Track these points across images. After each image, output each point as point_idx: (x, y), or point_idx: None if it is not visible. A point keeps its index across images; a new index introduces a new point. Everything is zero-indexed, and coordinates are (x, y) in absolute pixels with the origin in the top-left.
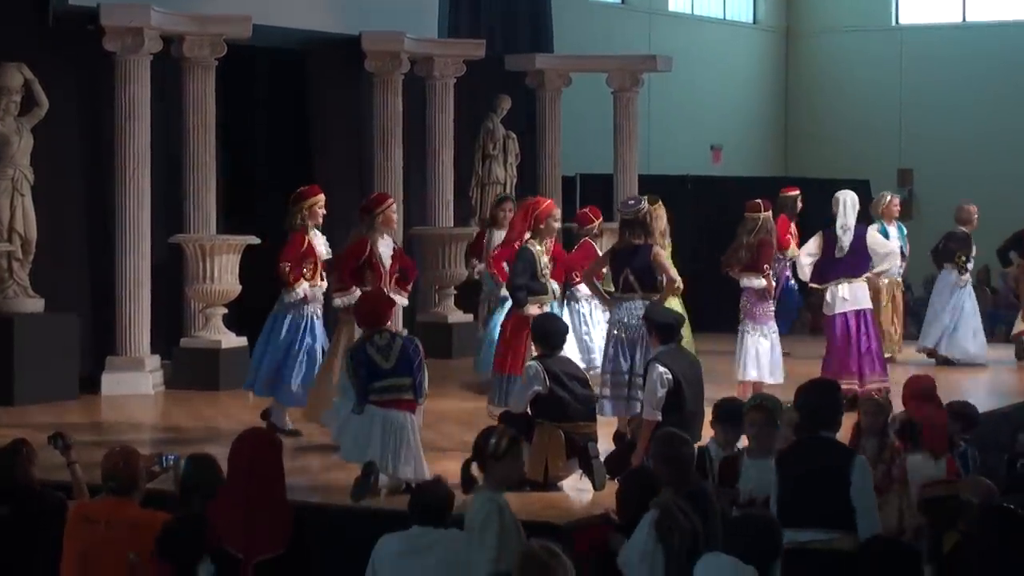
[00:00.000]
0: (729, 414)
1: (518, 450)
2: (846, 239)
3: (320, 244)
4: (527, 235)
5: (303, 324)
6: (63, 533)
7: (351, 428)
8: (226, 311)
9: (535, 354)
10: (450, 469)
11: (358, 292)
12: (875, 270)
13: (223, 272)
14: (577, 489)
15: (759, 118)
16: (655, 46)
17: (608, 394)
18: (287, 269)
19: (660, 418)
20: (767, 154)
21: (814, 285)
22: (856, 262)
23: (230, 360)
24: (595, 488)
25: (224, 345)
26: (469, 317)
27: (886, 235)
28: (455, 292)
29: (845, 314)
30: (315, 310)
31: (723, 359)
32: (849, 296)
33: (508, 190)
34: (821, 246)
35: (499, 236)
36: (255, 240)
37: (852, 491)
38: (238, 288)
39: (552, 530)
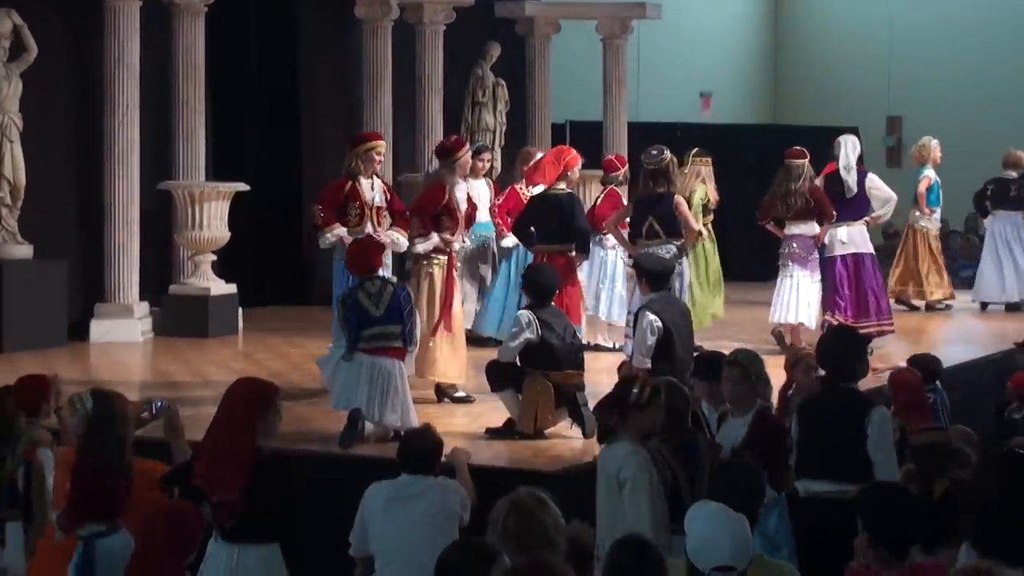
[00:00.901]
0: (711, 367)
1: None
2: (851, 179)
3: (371, 191)
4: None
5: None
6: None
7: (340, 375)
8: (215, 258)
9: (524, 304)
10: (440, 414)
11: (437, 238)
12: (874, 214)
13: (212, 219)
14: (566, 437)
15: (748, 66)
16: None
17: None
18: (319, 212)
19: (650, 366)
20: (756, 102)
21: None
22: (856, 206)
23: (219, 307)
24: (584, 435)
25: (213, 292)
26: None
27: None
28: None
29: (844, 257)
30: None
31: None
32: (847, 239)
33: (498, 137)
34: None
35: (476, 186)
36: (244, 187)
37: (869, 444)
38: (227, 235)
39: (541, 478)
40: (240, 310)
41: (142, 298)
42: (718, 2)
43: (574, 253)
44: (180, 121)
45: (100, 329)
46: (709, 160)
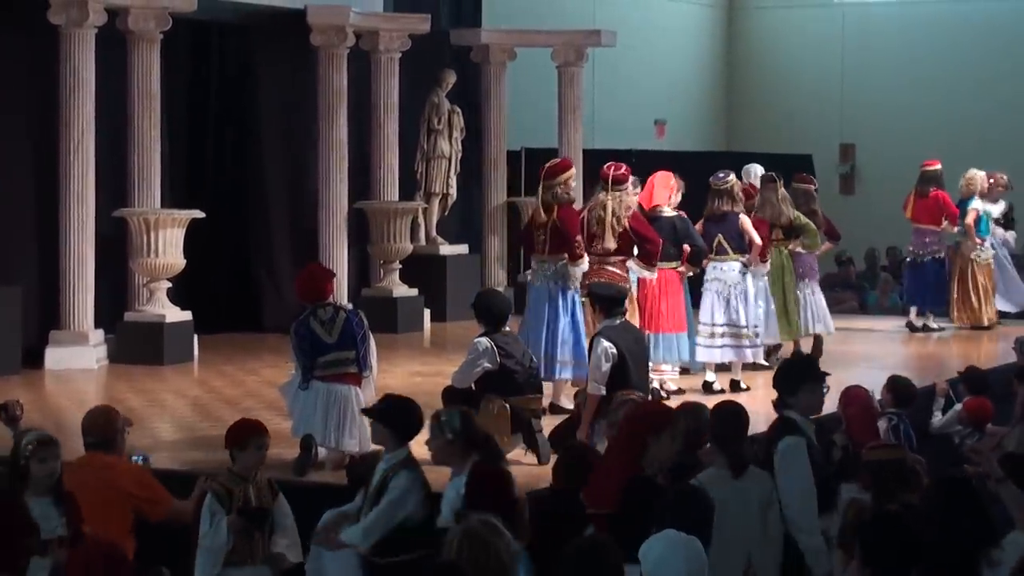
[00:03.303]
0: None
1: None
2: None
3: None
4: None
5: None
6: None
7: (298, 403)
8: (170, 285)
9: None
10: None
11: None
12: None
13: (167, 246)
14: (520, 463)
15: (702, 93)
16: (600, 21)
17: (701, 343)
18: (579, 241)
19: (604, 392)
20: (710, 128)
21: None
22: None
23: (174, 334)
24: (540, 462)
25: (168, 319)
26: (414, 292)
27: (987, 213)
28: (400, 267)
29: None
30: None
31: None
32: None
33: (453, 164)
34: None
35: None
36: (199, 214)
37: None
38: (183, 262)
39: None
40: (196, 337)
41: (97, 325)
42: (672, 29)
43: (683, 267)
44: (135, 148)
45: (55, 356)
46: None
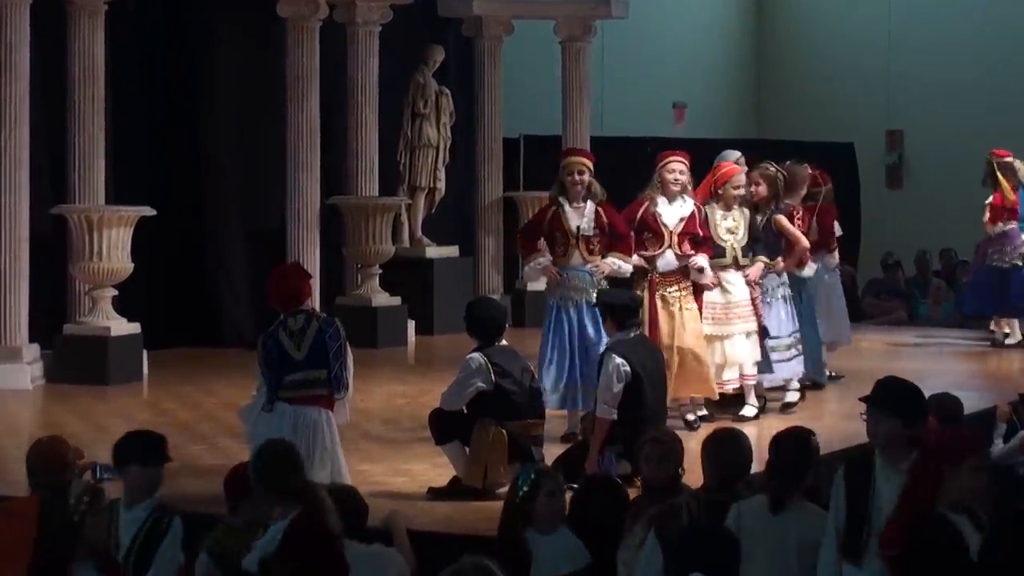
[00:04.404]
0: None
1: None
2: None
3: (577, 218)
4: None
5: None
6: None
7: (260, 429)
8: (116, 293)
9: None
10: (375, 472)
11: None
12: None
13: (113, 248)
14: None
15: (728, 72)
16: None
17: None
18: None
19: (615, 416)
20: (737, 113)
21: None
22: None
23: (120, 350)
24: None
25: (113, 333)
26: (396, 300)
27: None
28: (380, 271)
29: None
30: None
31: None
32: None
33: (441, 154)
34: None
35: None
36: (150, 211)
37: None
38: (130, 267)
39: (488, 544)
40: (145, 353)
41: (32, 339)
42: (693, 2)
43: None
44: (77, 136)
45: None
46: None
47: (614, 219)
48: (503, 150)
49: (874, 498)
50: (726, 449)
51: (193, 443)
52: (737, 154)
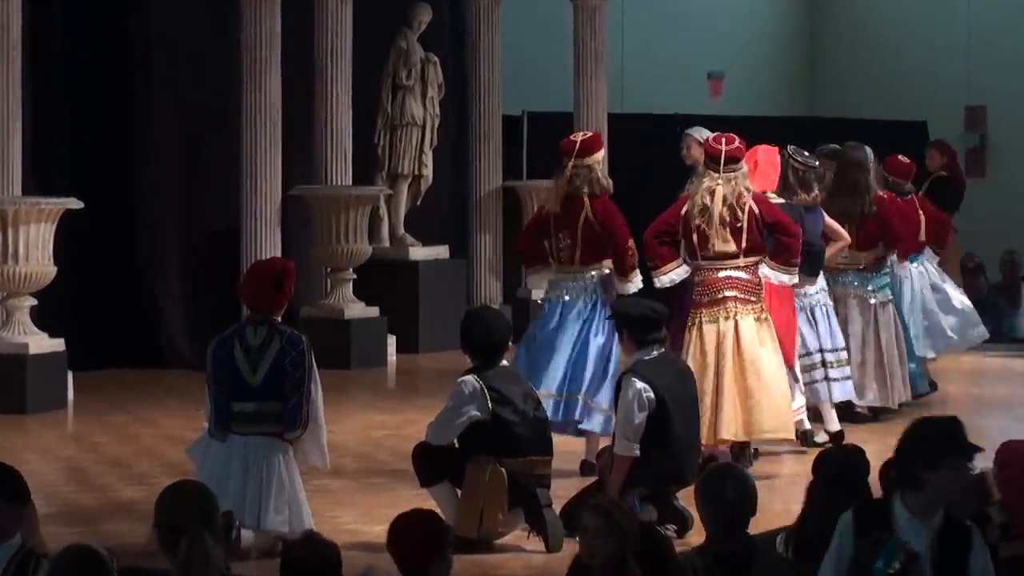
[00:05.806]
0: None
1: None
2: None
3: None
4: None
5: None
6: None
7: (207, 463)
8: (36, 303)
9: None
10: (347, 519)
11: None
12: None
13: (32, 249)
14: (521, 549)
15: (775, 39)
16: None
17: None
18: (632, 249)
19: (638, 452)
20: (785, 87)
21: None
22: None
23: (40, 371)
24: (548, 549)
25: (32, 351)
26: (374, 311)
27: None
28: (354, 276)
29: None
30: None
31: None
32: None
33: (428, 134)
34: None
35: None
36: (77, 204)
37: None
38: (53, 271)
39: None
40: (70, 375)
41: None
42: None
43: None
44: None
45: None
46: None
47: None
48: (502, 130)
49: None
50: (727, 487)
51: (128, 485)
52: (707, 132)
